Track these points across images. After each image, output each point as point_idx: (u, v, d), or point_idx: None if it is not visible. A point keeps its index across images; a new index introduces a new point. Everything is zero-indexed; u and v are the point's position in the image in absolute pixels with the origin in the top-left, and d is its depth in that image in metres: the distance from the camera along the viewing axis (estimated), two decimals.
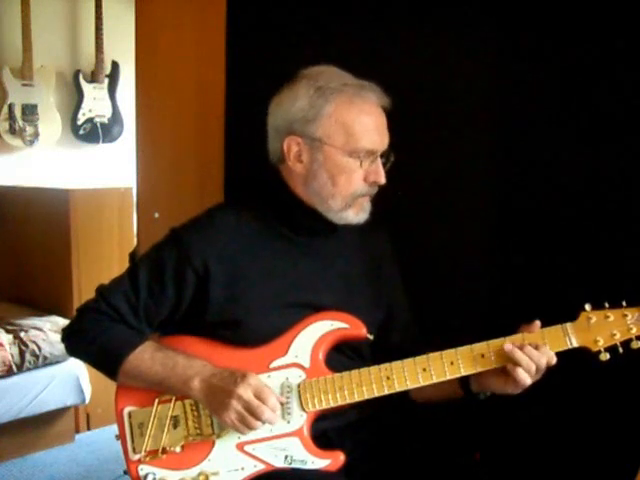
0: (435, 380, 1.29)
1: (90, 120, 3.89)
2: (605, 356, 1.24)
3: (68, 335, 1.44)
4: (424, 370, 1.29)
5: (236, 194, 1.86)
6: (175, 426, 1.35)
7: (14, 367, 2.83)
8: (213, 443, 1.34)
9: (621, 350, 1.23)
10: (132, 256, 2.33)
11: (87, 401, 3.06)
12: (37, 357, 2.89)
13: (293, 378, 1.33)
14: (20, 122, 3.60)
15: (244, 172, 1.89)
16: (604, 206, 1.49)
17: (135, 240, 2.51)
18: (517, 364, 1.24)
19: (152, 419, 1.35)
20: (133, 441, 1.36)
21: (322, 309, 1.39)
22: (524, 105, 1.59)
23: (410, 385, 1.29)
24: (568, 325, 1.26)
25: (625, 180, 1.46)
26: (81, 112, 3.86)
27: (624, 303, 1.25)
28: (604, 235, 1.48)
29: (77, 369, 3.00)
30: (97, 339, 1.38)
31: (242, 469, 1.32)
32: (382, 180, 1.39)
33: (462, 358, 1.28)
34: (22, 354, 2.85)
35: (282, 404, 1.31)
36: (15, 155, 3.75)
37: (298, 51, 1.79)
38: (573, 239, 1.52)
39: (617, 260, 1.47)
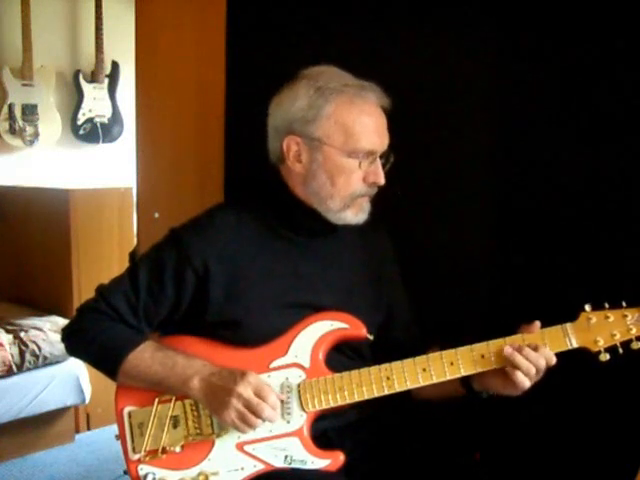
0: (435, 380, 1.29)
1: (90, 120, 3.89)
2: (605, 356, 1.24)
3: (68, 335, 1.44)
4: (424, 370, 1.29)
5: (236, 194, 1.86)
6: (175, 426, 1.35)
7: (14, 367, 2.83)
8: (213, 443, 1.34)
9: (621, 351, 1.23)
10: (132, 256, 2.33)
11: (87, 401, 3.06)
12: (37, 357, 2.89)
13: (293, 378, 1.33)
14: (20, 122, 3.60)
15: (244, 172, 1.89)
16: (604, 206, 1.49)
17: (135, 240, 2.50)
18: (516, 368, 1.24)
19: (152, 419, 1.35)
20: (133, 441, 1.36)
21: (322, 309, 1.39)
22: (524, 105, 1.59)
23: (410, 385, 1.29)
24: (568, 325, 1.26)
25: (625, 180, 1.46)
26: (81, 112, 3.87)
27: (624, 303, 1.25)
28: (604, 235, 1.48)
29: (77, 369, 3.00)
30: (97, 339, 1.38)
31: (242, 469, 1.32)
32: (381, 181, 1.39)
33: (462, 358, 1.28)
34: (22, 354, 2.85)
35: (282, 401, 1.31)
36: (15, 155, 3.75)
37: (298, 51, 1.79)
38: (573, 239, 1.52)
39: (617, 260, 1.47)
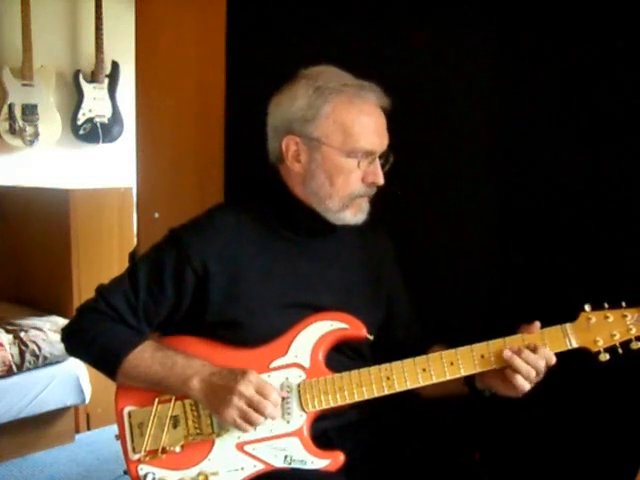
0: (435, 380, 1.29)
1: (90, 120, 3.89)
2: (605, 356, 1.24)
3: (68, 335, 1.44)
4: (424, 370, 1.29)
5: (236, 194, 1.86)
6: (175, 426, 1.35)
7: (14, 367, 2.83)
8: (213, 443, 1.33)
9: (620, 351, 1.23)
10: (132, 256, 2.33)
11: (87, 401, 3.06)
12: (37, 357, 2.89)
13: (293, 378, 1.33)
14: (20, 122, 3.60)
15: (244, 172, 1.89)
16: (604, 206, 1.49)
17: (135, 240, 2.50)
18: (516, 371, 1.24)
19: (152, 419, 1.35)
20: (133, 441, 1.36)
21: (322, 309, 1.39)
22: (524, 105, 1.59)
23: (410, 385, 1.29)
24: (568, 325, 1.26)
25: (625, 180, 1.46)
26: (81, 112, 3.86)
27: (624, 304, 1.25)
28: (604, 235, 1.48)
29: (77, 369, 3.00)
30: (97, 339, 1.38)
31: (242, 469, 1.32)
32: (380, 181, 1.39)
33: (462, 358, 1.28)
34: (22, 354, 2.85)
35: (283, 399, 1.31)
36: (15, 155, 3.75)
37: (298, 51, 1.79)
38: (573, 239, 1.52)
39: (617, 260, 1.47)
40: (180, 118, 2.11)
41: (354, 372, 1.31)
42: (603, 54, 1.45)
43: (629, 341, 1.24)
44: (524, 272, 1.60)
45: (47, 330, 2.97)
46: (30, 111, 3.63)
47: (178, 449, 1.34)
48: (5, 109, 3.57)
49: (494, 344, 1.28)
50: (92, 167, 4.01)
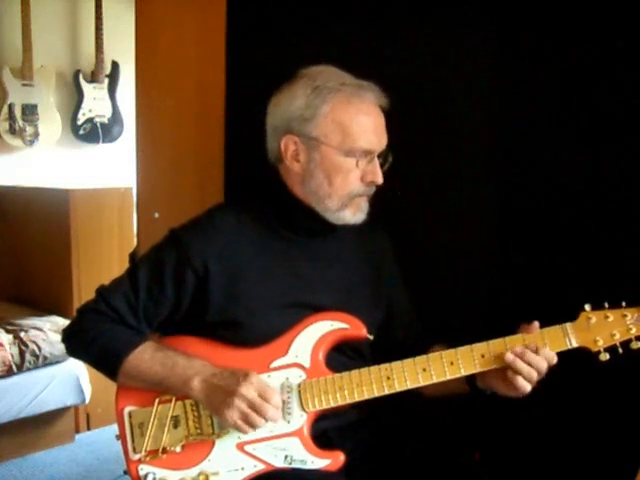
0: (435, 380, 1.29)
1: (90, 120, 3.89)
2: (605, 356, 1.24)
3: (68, 336, 1.44)
4: (424, 370, 1.29)
5: (236, 194, 1.86)
6: (175, 426, 1.35)
7: (14, 367, 2.83)
8: (213, 443, 1.34)
9: (621, 350, 1.23)
10: (132, 256, 2.33)
11: (87, 401, 3.06)
12: (37, 357, 2.89)
13: (293, 378, 1.33)
14: (20, 122, 3.60)
15: (244, 172, 1.89)
16: (604, 206, 1.49)
17: (135, 240, 2.50)
18: (518, 373, 1.24)
19: (152, 419, 1.35)
20: (133, 441, 1.36)
21: (321, 309, 1.39)
22: (524, 105, 1.59)
23: (410, 385, 1.30)
24: (568, 325, 1.26)
25: (625, 180, 1.46)
26: (81, 112, 3.86)
27: (624, 303, 1.25)
28: (604, 235, 1.48)
29: (77, 369, 3.00)
30: (97, 339, 1.38)
31: (242, 469, 1.32)
32: (379, 180, 1.39)
33: (462, 358, 1.28)
34: (22, 354, 2.85)
35: (283, 402, 1.31)
36: (15, 155, 3.75)
37: (298, 51, 1.79)
38: (573, 239, 1.52)
39: (617, 260, 1.47)
40: (180, 118, 2.11)
41: (354, 372, 1.31)
42: (603, 54, 1.45)
43: (629, 341, 1.24)
44: (524, 272, 1.60)
45: (47, 330, 2.98)
46: (30, 111, 3.63)
47: (178, 449, 1.34)
48: (5, 109, 3.57)
49: (494, 344, 1.28)
50: (92, 167, 4.01)
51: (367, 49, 1.72)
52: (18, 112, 3.59)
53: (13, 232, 3.49)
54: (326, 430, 1.37)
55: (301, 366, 1.34)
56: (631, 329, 1.23)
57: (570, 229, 1.53)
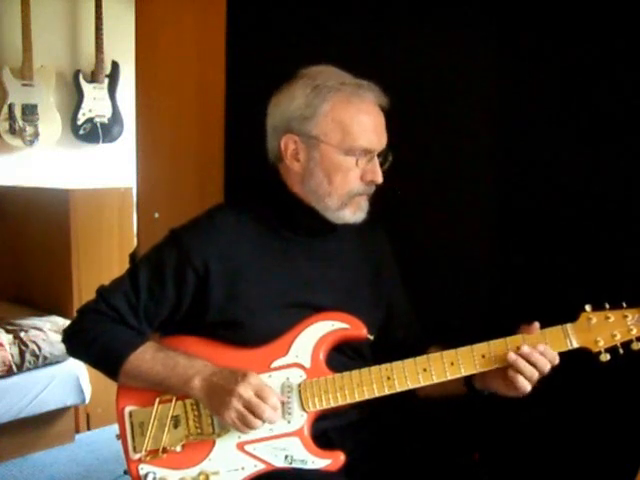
0: (435, 380, 1.29)
1: (90, 120, 3.89)
2: (605, 357, 1.24)
3: (69, 336, 1.44)
4: (424, 370, 1.29)
5: (236, 194, 1.86)
6: (176, 426, 1.35)
7: (14, 367, 2.83)
8: (213, 443, 1.34)
9: (621, 351, 1.23)
10: (132, 257, 2.33)
11: (87, 401, 3.06)
12: (37, 357, 2.89)
13: (294, 378, 1.33)
14: (20, 122, 3.60)
15: (244, 172, 1.89)
16: (604, 206, 1.49)
17: (135, 240, 2.51)
18: (519, 373, 1.24)
19: (153, 419, 1.35)
20: (134, 440, 1.36)
21: (322, 309, 1.39)
22: (524, 105, 1.59)
23: (411, 385, 1.29)
24: (568, 326, 1.26)
25: (625, 180, 1.46)
26: (81, 112, 3.87)
27: (624, 304, 1.25)
28: (604, 235, 1.48)
29: (77, 369, 3.00)
30: (98, 340, 1.38)
31: (242, 469, 1.32)
32: (379, 179, 1.39)
33: (462, 358, 1.28)
34: (22, 354, 2.85)
35: (283, 403, 1.31)
36: (15, 155, 3.75)
37: (298, 51, 1.79)
38: (573, 239, 1.52)
39: (617, 260, 1.47)
40: (180, 118, 2.11)
41: (355, 372, 1.31)
42: (603, 54, 1.45)
43: (630, 341, 1.24)
44: (524, 272, 1.60)
45: (47, 330, 2.98)
46: (30, 111, 3.63)
47: (179, 449, 1.34)
48: (5, 109, 3.57)
49: (495, 344, 1.28)
50: (92, 167, 4.01)
51: (367, 49, 1.72)
52: (18, 112, 3.59)
53: (13, 232, 3.49)
54: (326, 430, 1.37)
55: (301, 366, 1.34)
56: (632, 330, 1.23)
57: (570, 229, 1.53)
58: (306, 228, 1.45)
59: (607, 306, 1.25)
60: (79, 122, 3.87)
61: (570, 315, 1.26)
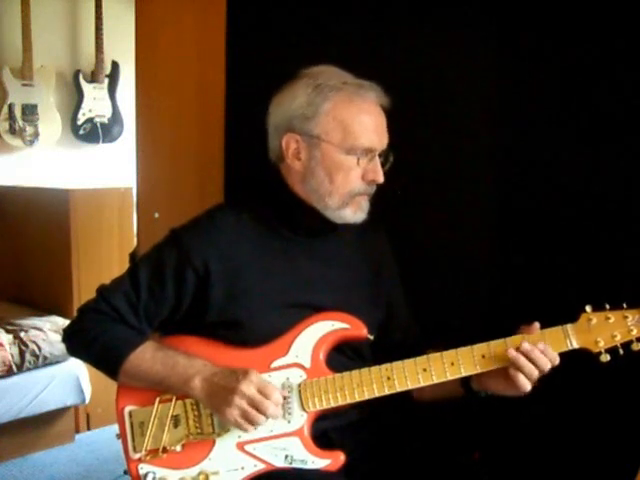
0: (435, 380, 1.29)
1: (90, 120, 3.89)
2: (605, 357, 1.24)
3: (69, 335, 1.44)
4: (424, 370, 1.29)
5: (236, 194, 1.86)
6: (176, 425, 1.35)
7: (14, 367, 2.83)
8: (213, 442, 1.34)
9: (622, 352, 1.23)
10: (132, 256, 2.34)
11: (87, 401, 3.06)
12: (37, 357, 2.89)
13: (294, 378, 1.33)
14: (20, 122, 3.60)
15: (244, 172, 1.89)
16: (604, 206, 1.49)
17: (135, 240, 2.51)
18: (519, 370, 1.24)
19: (153, 418, 1.35)
20: (134, 440, 1.36)
21: (322, 309, 1.39)
22: (524, 105, 1.59)
23: (410, 385, 1.30)
24: (569, 326, 1.26)
25: (625, 180, 1.46)
26: (81, 112, 3.87)
27: (624, 305, 1.25)
28: (604, 235, 1.48)
29: (77, 369, 3.00)
30: (98, 339, 1.38)
31: (242, 468, 1.32)
32: (380, 179, 1.39)
33: (462, 359, 1.28)
34: (22, 354, 2.85)
35: (285, 398, 1.31)
36: (15, 155, 3.75)
37: (298, 51, 1.79)
38: (573, 239, 1.53)
39: (617, 260, 1.47)
40: (180, 118, 2.11)
41: (355, 372, 1.31)
42: (603, 54, 1.45)
43: (630, 342, 1.24)
44: (524, 272, 1.60)
45: (47, 330, 2.98)
46: (30, 111, 3.63)
47: (179, 448, 1.34)
48: (5, 109, 3.57)
49: (495, 344, 1.28)
50: (92, 167, 4.01)
51: (367, 49, 1.72)
52: (18, 112, 3.59)
53: (13, 232, 3.49)
54: (326, 430, 1.37)
55: (301, 366, 1.34)
56: (632, 330, 1.23)
57: (570, 229, 1.53)
58: (306, 228, 1.45)
59: (607, 307, 1.25)
60: (79, 122, 3.87)
61: (570, 315, 1.26)
